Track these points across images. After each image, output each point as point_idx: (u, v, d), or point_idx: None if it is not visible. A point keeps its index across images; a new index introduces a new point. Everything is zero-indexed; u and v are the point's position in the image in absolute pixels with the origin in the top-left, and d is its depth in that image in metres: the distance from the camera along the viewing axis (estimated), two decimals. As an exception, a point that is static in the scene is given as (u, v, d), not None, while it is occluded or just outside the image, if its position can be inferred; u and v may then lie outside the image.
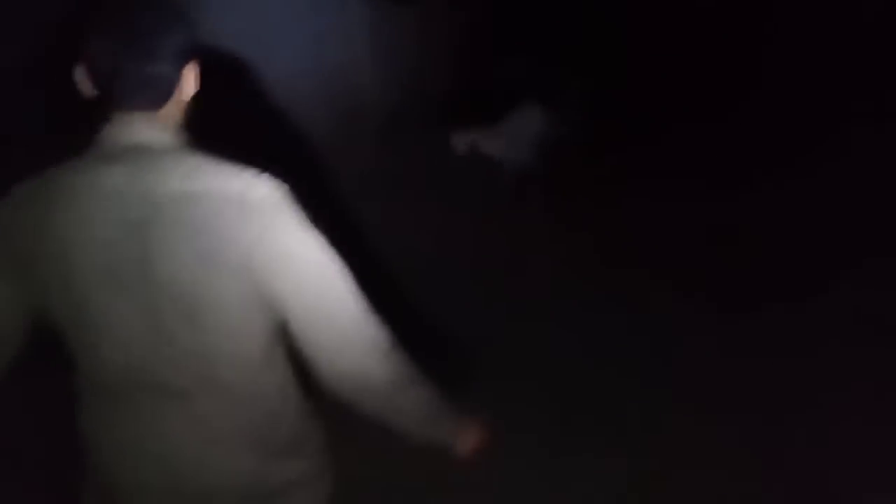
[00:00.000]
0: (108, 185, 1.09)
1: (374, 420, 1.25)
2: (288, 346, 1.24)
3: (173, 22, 1.13)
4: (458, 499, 2.32)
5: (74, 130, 1.20)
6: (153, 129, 1.14)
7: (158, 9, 1.13)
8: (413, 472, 2.16)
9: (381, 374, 1.20)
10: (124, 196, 1.09)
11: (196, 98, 1.21)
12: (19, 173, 1.13)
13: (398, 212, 4.04)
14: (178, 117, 1.18)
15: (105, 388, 1.18)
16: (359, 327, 1.18)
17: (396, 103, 5.00)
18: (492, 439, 1.37)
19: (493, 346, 3.09)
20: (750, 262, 3.81)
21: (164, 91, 1.14)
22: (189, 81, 1.17)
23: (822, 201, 4.11)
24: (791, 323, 3.25)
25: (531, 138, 4.69)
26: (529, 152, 4.68)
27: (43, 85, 2.54)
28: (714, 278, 3.67)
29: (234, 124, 2.73)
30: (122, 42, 1.09)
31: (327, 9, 4.77)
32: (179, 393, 1.16)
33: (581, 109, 4.83)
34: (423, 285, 3.37)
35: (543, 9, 5.34)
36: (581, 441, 2.66)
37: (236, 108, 3.52)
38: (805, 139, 4.65)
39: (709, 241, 3.99)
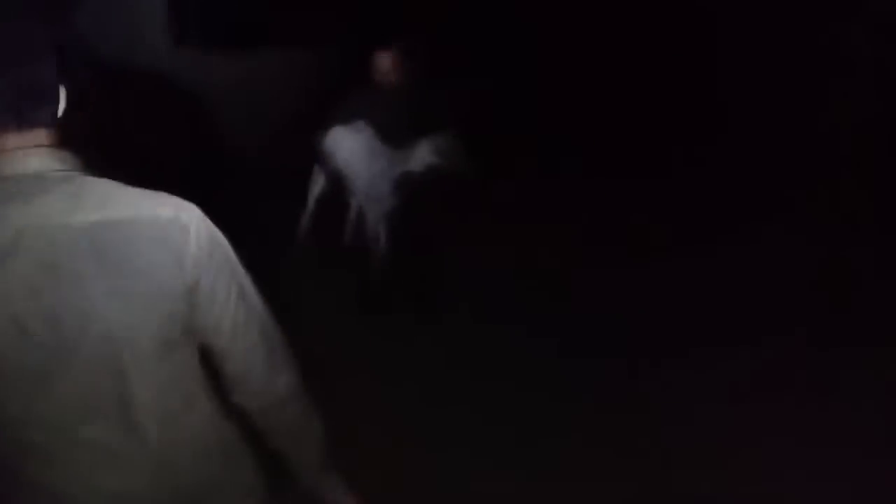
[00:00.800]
0: (9, 227, 0.98)
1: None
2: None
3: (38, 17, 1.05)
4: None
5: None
6: (48, 152, 1.04)
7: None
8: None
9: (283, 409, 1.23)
10: (30, 236, 0.98)
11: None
12: None
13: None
14: (65, 134, 1.09)
15: (25, 449, 1.06)
16: (269, 369, 1.19)
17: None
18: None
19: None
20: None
21: (52, 100, 1.04)
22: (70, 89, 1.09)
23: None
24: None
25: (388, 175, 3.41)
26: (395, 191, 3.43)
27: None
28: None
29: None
30: None
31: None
32: (103, 449, 1.07)
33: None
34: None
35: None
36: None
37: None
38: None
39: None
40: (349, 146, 3.28)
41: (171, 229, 1.06)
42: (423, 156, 3.25)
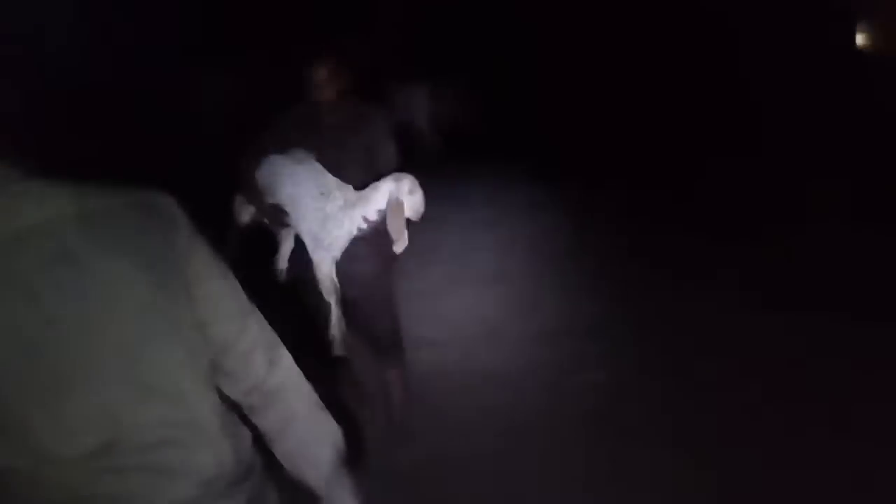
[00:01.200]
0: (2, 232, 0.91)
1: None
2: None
3: None
4: None
5: None
6: (3, 160, 0.97)
7: None
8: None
9: (300, 406, 1.17)
10: (28, 237, 0.92)
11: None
12: None
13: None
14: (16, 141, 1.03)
15: (39, 477, 0.92)
16: (254, 359, 1.13)
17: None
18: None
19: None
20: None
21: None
22: None
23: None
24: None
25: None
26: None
27: None
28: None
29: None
30: None
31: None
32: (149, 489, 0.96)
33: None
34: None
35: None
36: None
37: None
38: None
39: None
40: (295, 180, 2.72)
41: (159, 209, 1.04)
42: (378, 201, 2.70)
